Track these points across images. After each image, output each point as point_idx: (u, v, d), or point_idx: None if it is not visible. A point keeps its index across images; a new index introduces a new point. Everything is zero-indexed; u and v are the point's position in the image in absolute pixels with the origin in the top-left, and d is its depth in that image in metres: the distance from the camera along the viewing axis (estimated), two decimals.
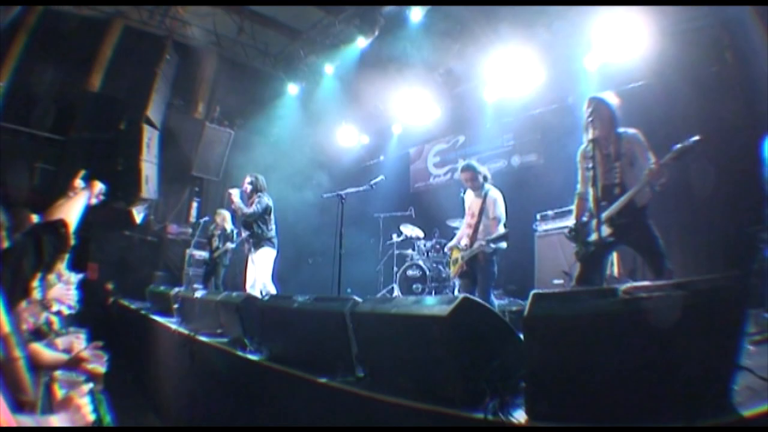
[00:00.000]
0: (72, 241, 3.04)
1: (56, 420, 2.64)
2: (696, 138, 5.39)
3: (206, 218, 13.82)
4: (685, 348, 2.40)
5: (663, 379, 2.43)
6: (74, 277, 4.65)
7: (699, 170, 9.11)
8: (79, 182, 3.87)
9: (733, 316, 2.39)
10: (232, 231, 12.71)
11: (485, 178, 8.26)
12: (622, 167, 5.82)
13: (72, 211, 3.28)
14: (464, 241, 8.28)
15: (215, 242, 12.89)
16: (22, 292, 2.87)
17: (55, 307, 4.33)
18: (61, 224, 3.00)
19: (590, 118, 6.05)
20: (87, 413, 2.78)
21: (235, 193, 9.87)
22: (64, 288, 4.51)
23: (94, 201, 3.78)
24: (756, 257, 5.87)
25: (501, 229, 7.82)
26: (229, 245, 12.59)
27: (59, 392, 3.28)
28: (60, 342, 4.29)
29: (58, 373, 3.51)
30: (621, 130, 5.98)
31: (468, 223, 8.35)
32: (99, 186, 3.87)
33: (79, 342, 4.34)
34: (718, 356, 2.39)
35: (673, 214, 10.15)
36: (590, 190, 5.90)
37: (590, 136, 6.07)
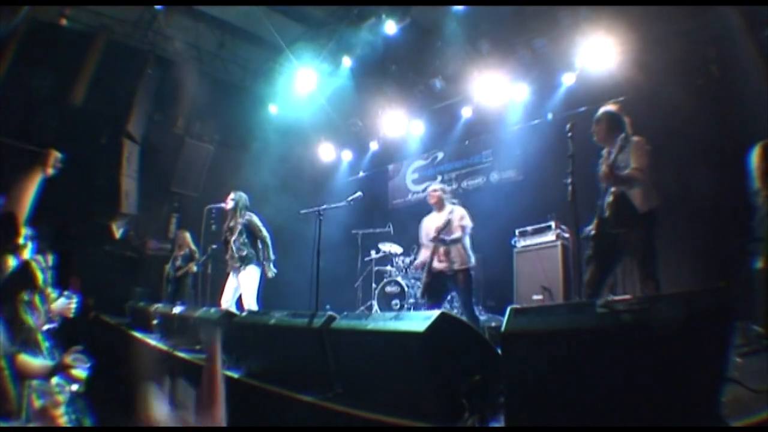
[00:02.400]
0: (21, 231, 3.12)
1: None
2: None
3: (188, 235, 13.71)
4: (669, 361, 2.38)
5: (647, 393, 2.41)
6: (55, 294, 4.67)
7: (685, 183, 9.21)
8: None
9: (719, 328, 2.37)
10: (194, 252, 12.62)
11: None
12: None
13: (23, 196, 3.33)
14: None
15: (178, 261, 12.78)
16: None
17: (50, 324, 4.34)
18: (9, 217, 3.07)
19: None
20: (62, 423, 2.82)
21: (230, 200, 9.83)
22: (66, 302, 4.56)
23: (51, 171, 3.79)
24: (743, 269, 5.88)
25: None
26: (192, 266, 12.48)
27: (36, 402, 3.30)
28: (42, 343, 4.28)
29: (34, 383, 3.51)
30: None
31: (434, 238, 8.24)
32: (55, 155, 3.87)
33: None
34: (705, 369, 2.38)
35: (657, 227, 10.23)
36: None
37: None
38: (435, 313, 3.15)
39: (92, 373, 3.91)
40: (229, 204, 9.76)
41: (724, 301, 2.37)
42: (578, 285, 6.51)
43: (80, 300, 4.80)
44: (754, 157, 5.76)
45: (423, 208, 8.78)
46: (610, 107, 6.75)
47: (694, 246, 9.73)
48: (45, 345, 4.42)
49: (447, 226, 7.98)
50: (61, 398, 3.01)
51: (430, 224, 8.45)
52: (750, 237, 5.90)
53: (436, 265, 8.11)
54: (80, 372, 3.78)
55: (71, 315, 4.57)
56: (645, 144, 6.29)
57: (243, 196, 9.88)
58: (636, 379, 2.43)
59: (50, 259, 4.03)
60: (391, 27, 12.99)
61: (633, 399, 2.44)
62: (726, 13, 9.28)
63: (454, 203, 8.47)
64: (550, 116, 12.65)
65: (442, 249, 8.03)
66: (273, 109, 16.62)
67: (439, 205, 8.33)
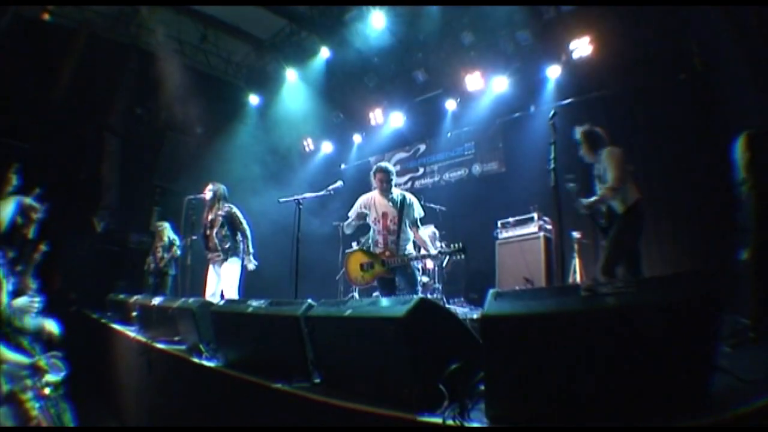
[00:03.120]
0: None
1: (1, 411, 2.66)
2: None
3: (168, 224, 13.62)
4: (655, 346, 2.33)
5: (632, 380, 2.36)
6: (34, 285, 4.65)
7: (669, 175, 9.25)
8: (12, 176, 3.86)
9: (706, 313, 2.32)
10: (173, 240, 12.59)
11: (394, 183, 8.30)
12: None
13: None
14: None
15: (159, 252, 12.75)
16: None
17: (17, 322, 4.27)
18: None
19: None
20: (30, 408, 2.78)
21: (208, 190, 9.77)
22: (29, 300, 4.49)
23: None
24: (728, 261, 5.87)
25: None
26: (176, 250, 12.46)
27: (4, 387, 3.27)
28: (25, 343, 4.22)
29: (4, 367, 3.46)
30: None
31: (387, 228, 8.03)
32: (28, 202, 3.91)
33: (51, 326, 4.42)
34: (692, 356, 2.33)
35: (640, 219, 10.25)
36: None
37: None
38: (414, 299, 3.09)
39: (68, 375, 3.87)
40: (208, 195, 9.70)
41: (712, 285, 2.32)
42: (560, 276, 6.54)
43: (43, 300, 4.73)
44: (739, 147, 5.73)
45: None
46: (583, 127, 7.14)
47: (680, 238, 9.77)
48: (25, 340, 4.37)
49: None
50: (29, 383, 2.96)
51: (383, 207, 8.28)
52: (735, 228, 5.90)
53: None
54: (53, 377, 3.74)
55: (33, 312, 4.49)
56: (613, 152, 6.68)
57: (221, 187, 9.85)
58: (621, 364, 2.38)
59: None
60: (379, 19, 12.99)
61: (617, 385, 2.39)
62: (708, 7, 9.27)
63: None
64: (532, 109, 12.66)
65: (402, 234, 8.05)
66: (254, 100, 16.61)
67: (386, 188, 8.15)
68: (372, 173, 8.26)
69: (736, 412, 2.31)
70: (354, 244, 13.21)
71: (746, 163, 5.63)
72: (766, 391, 2.53)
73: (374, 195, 8.21)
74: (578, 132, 7.07)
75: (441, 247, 9.94)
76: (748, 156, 5.65)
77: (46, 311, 4.76)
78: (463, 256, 7.71)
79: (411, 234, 8.05)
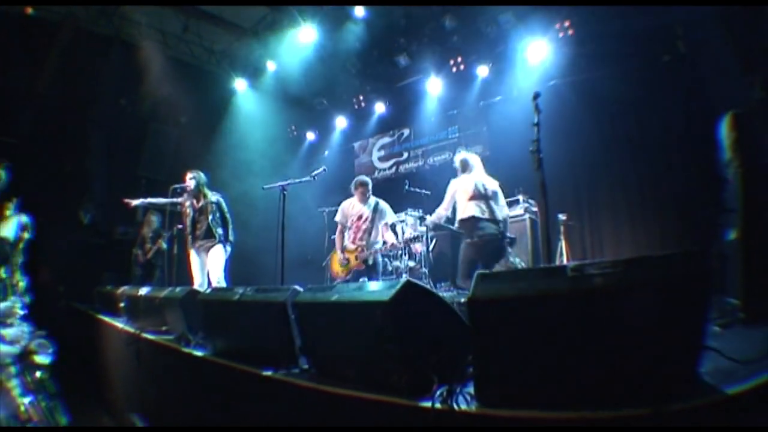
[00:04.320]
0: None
1: None
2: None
3: (154, 217, 13.58)
4: (643, 328, 2.32)
5: (622, 362, 2.35)
6: (23, 283, 4.65)
7: (655, 158, 9.27)
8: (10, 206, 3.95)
9: (695, 292, 2.31)
10: (159, 230, 12.60)
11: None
12: None
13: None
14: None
15: (147, 243, 12.76)
16: None
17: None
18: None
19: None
20: (16, 395, 2.79)
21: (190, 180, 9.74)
22: (9, 305, 4.48)
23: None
24: (715, 241, 5.88)
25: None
26: (162, 243, 12.47)
27: None
28: (7, 333, 4.19)
29: None
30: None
31: (359, 227, 9.49)
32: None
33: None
34: (682, 336, 2.32)
35: (628, 198, 10.28)
36: None
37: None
38: (400, 282, 3.07)
39: (56, 358, 3.86)
40: (191, 183, 9.67)
41: (700, 264, 2.31)
42: (547, 258, 6.50)
43: (27, 302, 4.74)
44: (724, 127, 5.72)
45: (389, 185, 8.87)
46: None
47: (665, 220, 9.80)
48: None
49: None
50: (12, 370, 2.96)
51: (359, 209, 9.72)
52: (721, 209, 5.90)
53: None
54: (43, 358, 3.73)
55: (17, 317, 4.48)
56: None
57: (200, 174, 9.88)
58: (610, 345, 2.37)
59: None
60: (359, 10, 13.02)
61: (606, 366, 2.38)
62: None
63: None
64: (515, 92, 12.67)
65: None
66: (240, 85, 16.57)
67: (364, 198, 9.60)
68: (353, 186, 9.63)
69: (728, 393, 2.31)
70: None
71: (732, 142, 5.62)
72: (757, 371, 2.53)
73: (353, 201, 9.67)
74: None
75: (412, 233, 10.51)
76: (734, 135, 5.64)
77: (35, 306, 4.75)
78: (428, 240, 8.53)
79: (381, 232, 9.37)
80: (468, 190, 8.29)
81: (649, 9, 9.94)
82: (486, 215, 8.12)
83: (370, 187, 9.58)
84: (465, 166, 8.66)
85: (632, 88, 10.43)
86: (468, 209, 8.17)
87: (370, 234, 9.34)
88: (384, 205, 9.59)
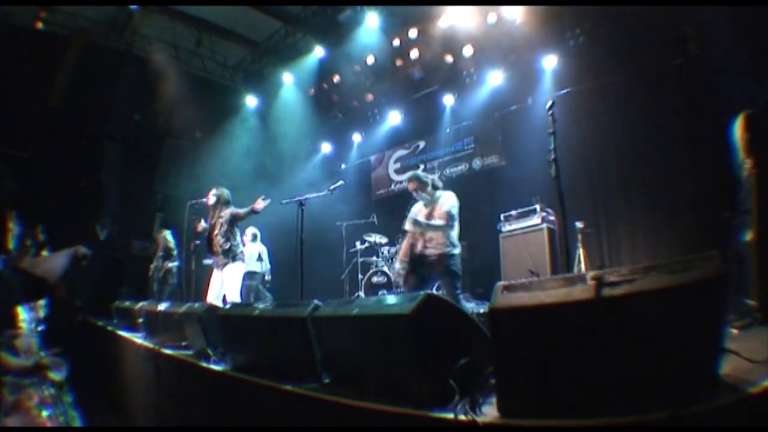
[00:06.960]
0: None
1: (10, 421, 2.71)
2: None
3: (168, 231, 13.62)
4: (663, 333, 2.32)
5: (642, 367, 2.36)
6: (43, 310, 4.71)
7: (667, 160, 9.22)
8: (39, 234, 4.04)
9: (713, 296, 2.32)
10: (171, 251, 12.63)
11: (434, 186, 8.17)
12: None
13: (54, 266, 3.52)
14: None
15: (159, 261, 12.78)
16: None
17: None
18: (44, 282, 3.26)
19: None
20: (36, 416, 2.82)
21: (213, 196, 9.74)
22: (29, 336, 4.50)
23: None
24: (730, 243, 5.84)
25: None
26: (170, 264, 12.49)
27: (9, 397, 3.30)
28: (19, 344, 4.21)
29: (6, 378, 3.47)
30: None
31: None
32: (82, 251, 4.00)
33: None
34: (700, 340, 2.32)
35: (644, 203, 10.22)
36: None
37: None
38: (421, 295, 3.08)
39: (70, 376, 3.89)
40: (211, 199, 9.68)
41: (718, 268, 2.31)
42: (565, 267, 6.47)
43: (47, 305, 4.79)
44: (737, 128, 5.70)
45: (406, 198, 8.71)
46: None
47: (680, 223, 9.74)
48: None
49: (431, 213, 7.84)
50: (33, 392, 2.99)
51: (415, 211, 8.21)
52: (736, 210, 5.87)
53: (418, 251, 7.91)
54: (56, 375, 3.75)
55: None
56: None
57: (225, 191, 9.81)
58: (630, 351, 2.37)
59: None
60: (373, 20, 13.07)
61: (628, 372, 2.38)
62: None
63: (438, 188, 8.14)
64: (530, 101, 12.65)
65: (425, 235, 7.82)
66: (251, 101, 16.60)
67: (417, 194, 8.05)
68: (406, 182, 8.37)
69: (746, 394, 2.31)
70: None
71: (745, 143, 5.61)
72: None
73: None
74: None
75: None
76: (747, 136, 5.63)
77: (52, 321, 4.78)
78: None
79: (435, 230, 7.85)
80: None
81: (660, 10, 9.92)
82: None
83: (417, 183, 8.14)
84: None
85: (645, 93, 10.39)
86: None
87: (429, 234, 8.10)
88: (447, 196, 8.10)
